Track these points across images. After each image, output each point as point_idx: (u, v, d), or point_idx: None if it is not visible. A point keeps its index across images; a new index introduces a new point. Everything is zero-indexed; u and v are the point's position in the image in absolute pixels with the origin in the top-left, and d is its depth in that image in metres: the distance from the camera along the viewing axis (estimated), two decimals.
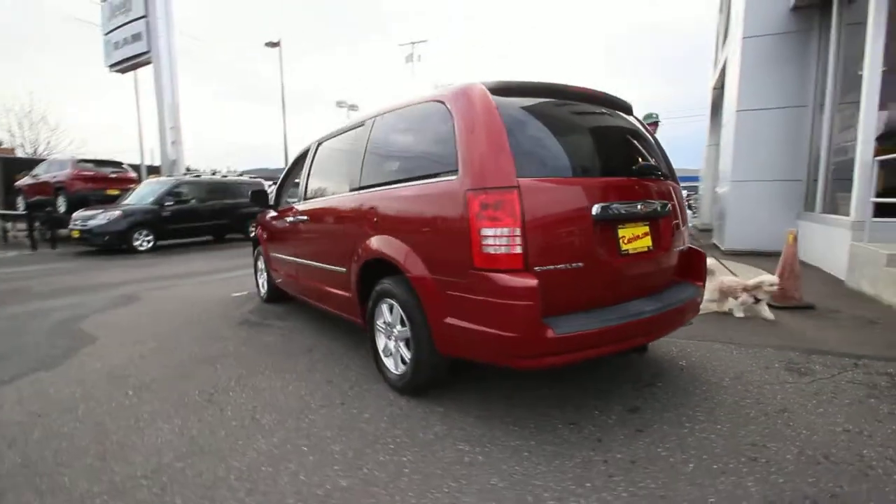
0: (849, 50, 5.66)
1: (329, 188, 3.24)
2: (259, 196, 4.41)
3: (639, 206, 2.21)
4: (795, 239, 4.04)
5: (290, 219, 3.72)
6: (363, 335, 3.49)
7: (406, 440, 2.02)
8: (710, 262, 3.24)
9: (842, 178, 5.62)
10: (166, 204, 10.29)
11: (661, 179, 2.49)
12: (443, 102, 2.22)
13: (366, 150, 2.77)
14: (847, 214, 5.16)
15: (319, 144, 3.60)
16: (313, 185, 3.56)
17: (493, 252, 1.87)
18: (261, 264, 4.89)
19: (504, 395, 2.42)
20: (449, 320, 2.07)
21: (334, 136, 3.41)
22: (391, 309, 2.49)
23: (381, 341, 2.63)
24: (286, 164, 5.61)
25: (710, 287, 3.63)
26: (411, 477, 1.75)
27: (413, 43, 33.40)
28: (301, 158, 4.18)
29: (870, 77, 4.66)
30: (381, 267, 2.53)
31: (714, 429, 2.04)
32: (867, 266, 4.43)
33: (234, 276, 6.76)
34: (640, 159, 2.46)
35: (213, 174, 11.89)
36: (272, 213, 4.39)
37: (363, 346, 3.31)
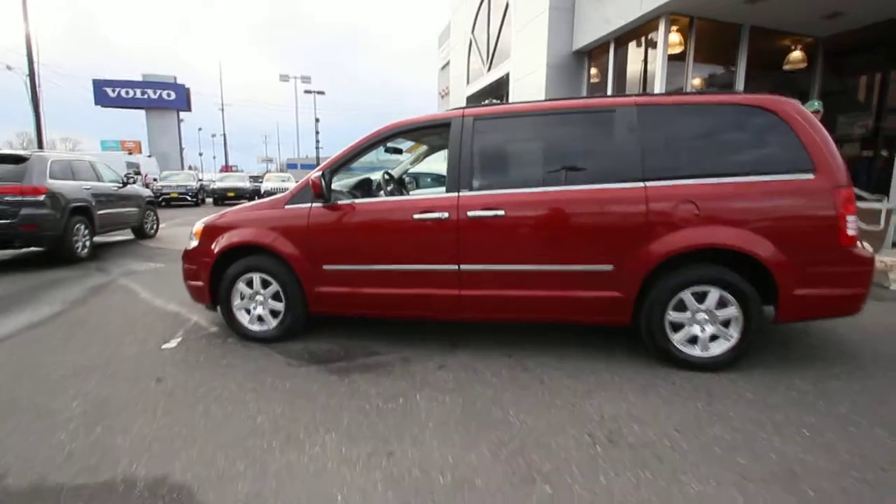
0: (616, 76, 8.55)
1: (554, 176, 2.75)
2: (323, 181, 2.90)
3: None
4: None
5: (438, 214, 2.79)
6: (546, 340, 3.22)
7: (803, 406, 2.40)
8: None
9: None
10: None
11: None
12: (770, 110, 2.56)
13: (641, 141, 2.64)
14: None
15: (476, 120, 2.87)
16: (496, 171, 2.86)
17: (851, 234, 2.50)
18: (250, 289, 3.19)
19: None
20: (799, 291, 2.54)
21: (522, 116, 2.88)
22: (700, 297, 2.62)
23: (674, 333, 2.69)
24: None
25: None
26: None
27: None
28: (385, 138, 3.11)
29: None
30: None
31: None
32: None
33: (61, 322, 3.82)
34: None
35: None
36: (324, 212, 3.00)
37: (555, 350, 3.03)
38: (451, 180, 2.85)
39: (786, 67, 8.40)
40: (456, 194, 2.81)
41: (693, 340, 2.69)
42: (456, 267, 2.84)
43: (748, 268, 2.59)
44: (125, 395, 2.52)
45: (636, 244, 2.62)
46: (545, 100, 2.91)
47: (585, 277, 2.71)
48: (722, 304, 2.62)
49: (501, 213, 2.74)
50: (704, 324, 2.66)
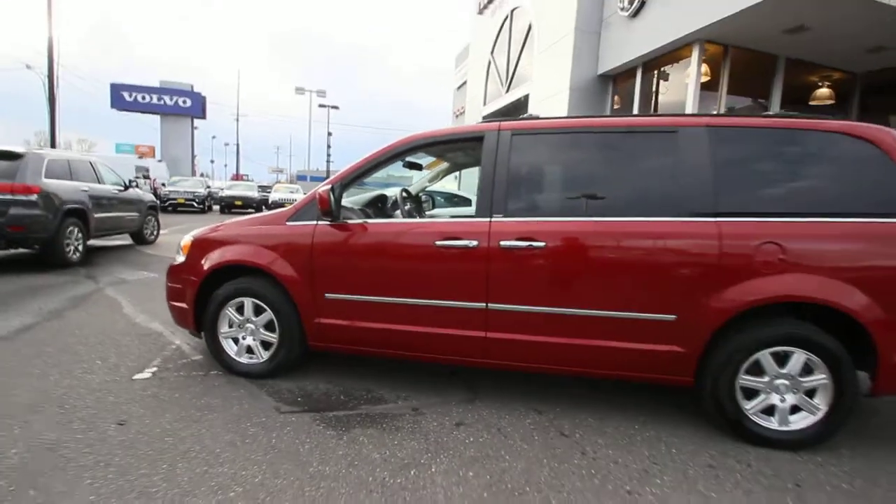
0: (642, 102, 8.22)
1: (604, 205, 2.31)
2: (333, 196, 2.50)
3: None
4: None
5: (464, 242, 2.37)
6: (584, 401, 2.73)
7: None
8: None
9: None
10: None
11: None
12: (865, 138, 2.15)
13: (713, 169, 2.22)
14: None
15: (514, 135, 2.46)
16: (535, 196, 2.45)
17: None
18: (240, 316, 2.76)
19: None
20: None
21: (568, 133, 2.48)
22: (781, 358, 2.16)
23: (746, 400, 2.22)
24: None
25: None
26: None
27: None
28: (404, 151, 2.72)
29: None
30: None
31: None
32: None
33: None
34: None
35: None
36: (331, 232, 2.59)
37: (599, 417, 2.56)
38: (482, 203, 2.43)
39: (814, 103, 8.06)
40: (487, 220, 2.39)
41: (769, 411, 2.22)
42: (483, 305, 2.39)
43: (837, 325, 2.14)
44: (77, 441, 2.06)
45: (706, 291, 2.17)
46: (596, 115, 2.52)
47: (639, 327, 2.25)
48: (807, 369, 2.15)
49: (540, 244, 2.30)
50: (785, 392, 2.19)
